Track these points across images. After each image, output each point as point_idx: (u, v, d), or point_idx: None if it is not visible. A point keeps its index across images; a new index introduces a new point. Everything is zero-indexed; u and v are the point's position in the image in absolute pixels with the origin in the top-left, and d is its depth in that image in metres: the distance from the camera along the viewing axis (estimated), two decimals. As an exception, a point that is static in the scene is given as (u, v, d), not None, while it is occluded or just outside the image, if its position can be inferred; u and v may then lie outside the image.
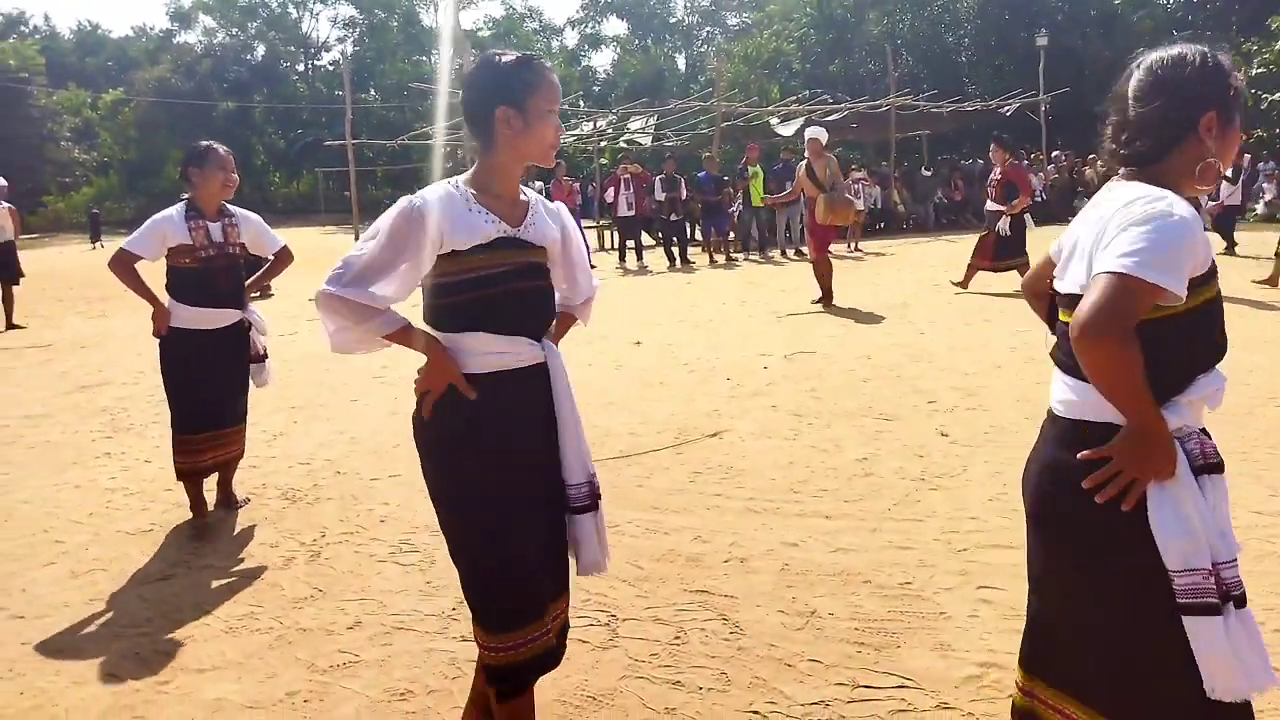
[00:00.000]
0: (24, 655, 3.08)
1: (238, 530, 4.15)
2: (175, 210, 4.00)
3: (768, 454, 4.77)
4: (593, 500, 2.18)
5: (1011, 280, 10.05)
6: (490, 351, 2.04)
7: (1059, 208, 22.47)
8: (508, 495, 2.06)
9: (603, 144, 24.61)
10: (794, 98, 25.63)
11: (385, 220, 2.00)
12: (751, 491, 4.22)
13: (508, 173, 2.09)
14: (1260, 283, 9.51)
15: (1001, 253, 10.12)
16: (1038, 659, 1.78)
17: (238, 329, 4.16)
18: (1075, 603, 1.69)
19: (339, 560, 3.74)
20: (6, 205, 11.12)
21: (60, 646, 3.13)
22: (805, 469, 4.50)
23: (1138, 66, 1.72)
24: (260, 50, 53.89)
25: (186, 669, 2.94)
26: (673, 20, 56.42)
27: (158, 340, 4.09)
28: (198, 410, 4.09)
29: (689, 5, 56.83)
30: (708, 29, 56.68)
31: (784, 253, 16.47)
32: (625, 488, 4.36)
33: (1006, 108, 23.54)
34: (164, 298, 4.04)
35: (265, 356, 4.37)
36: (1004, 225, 10.00)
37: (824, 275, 9.71)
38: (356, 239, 10.21)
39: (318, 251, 22.11)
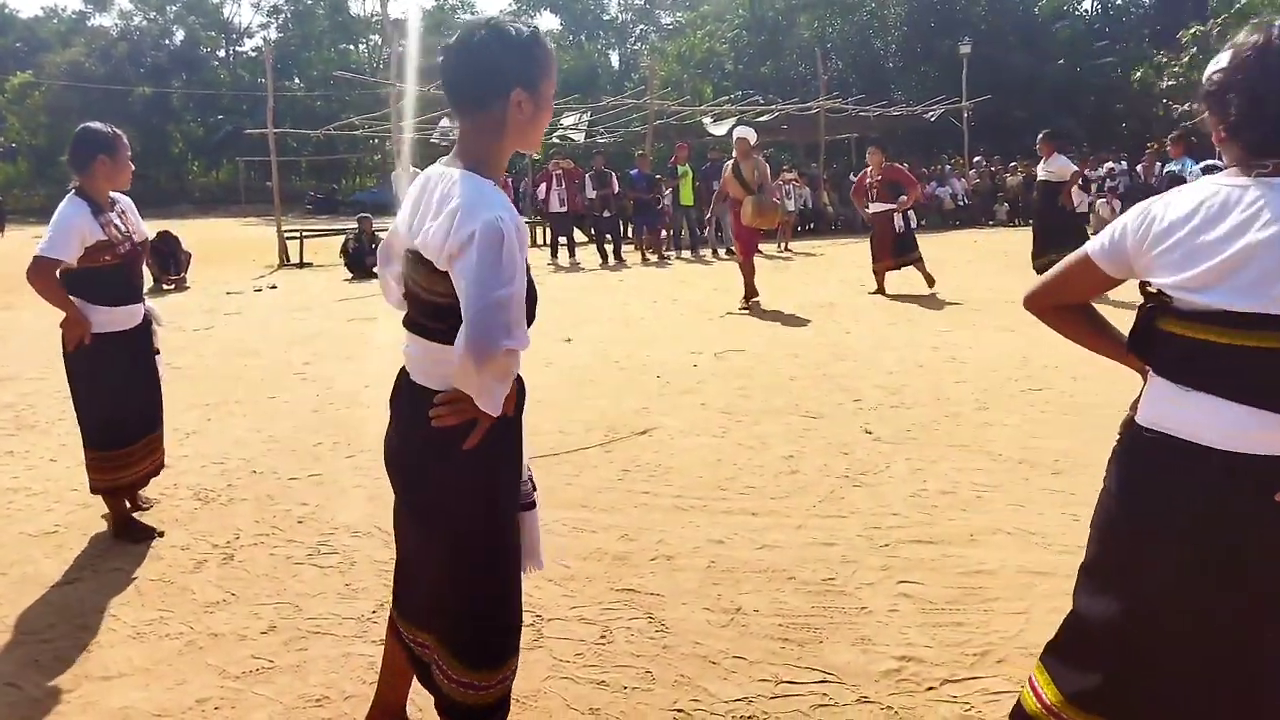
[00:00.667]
0: (-89, 666, 2.91)
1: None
2: (76, 205, 3.60)
3: (696, 451, 4.78)
4: (532, 497, 2.11)
5: (913, 277, 10.32)
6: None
7: (979, 212, 23.13)
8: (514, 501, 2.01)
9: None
10: (726, 97, 25.81)
11: (496, 245, 1.69)
12: (679, 489, 4.22)
13: (505, 161, 1.95)
14: None
15: (900, 249, 10.38)
16: None
17: (146, 325, 3.93)
18: None
19: (253, 563, 3.62)
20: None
21: (-48, 656, 2.97)
22: (733, 466, 4.52)
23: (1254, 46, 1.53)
24: (179, 35, 52.09)
25: (91, 676, 2.80)
26: (606, 17, 56.35)
27: (64, 353, 3.74)
28: (121, 421, 3.80)
29: (623, 3, 56.89)
30: (641, 27, 56.79)
31: (715, 252, 16.58)
32: (553, 486, 4.31)
33: (931, 113, 24.09)
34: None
35: (158, 350, 4.11)
36: (899, 220, 10.27)
37: (749, 275, 9.73)
38: (278, 231, 10.06)
39: (236, 243, 21.57)
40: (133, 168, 3.78)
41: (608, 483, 4.36)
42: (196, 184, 47.02)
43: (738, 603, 3.11)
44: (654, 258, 15.90)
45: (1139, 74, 26.45)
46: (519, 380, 1.96)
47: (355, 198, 39.52)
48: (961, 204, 23.26)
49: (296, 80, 48.56)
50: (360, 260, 13.90)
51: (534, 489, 2.09)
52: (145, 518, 4.05)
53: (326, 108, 43.10)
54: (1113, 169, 22.35)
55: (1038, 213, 10.89)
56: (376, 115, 22.30)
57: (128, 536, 3.88)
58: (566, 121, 26.13)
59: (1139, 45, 32.33)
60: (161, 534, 3.94)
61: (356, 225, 14.72)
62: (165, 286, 12.55)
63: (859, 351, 7.19)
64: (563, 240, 16.13)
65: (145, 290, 4.03)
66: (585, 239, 17.24)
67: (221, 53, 54.09)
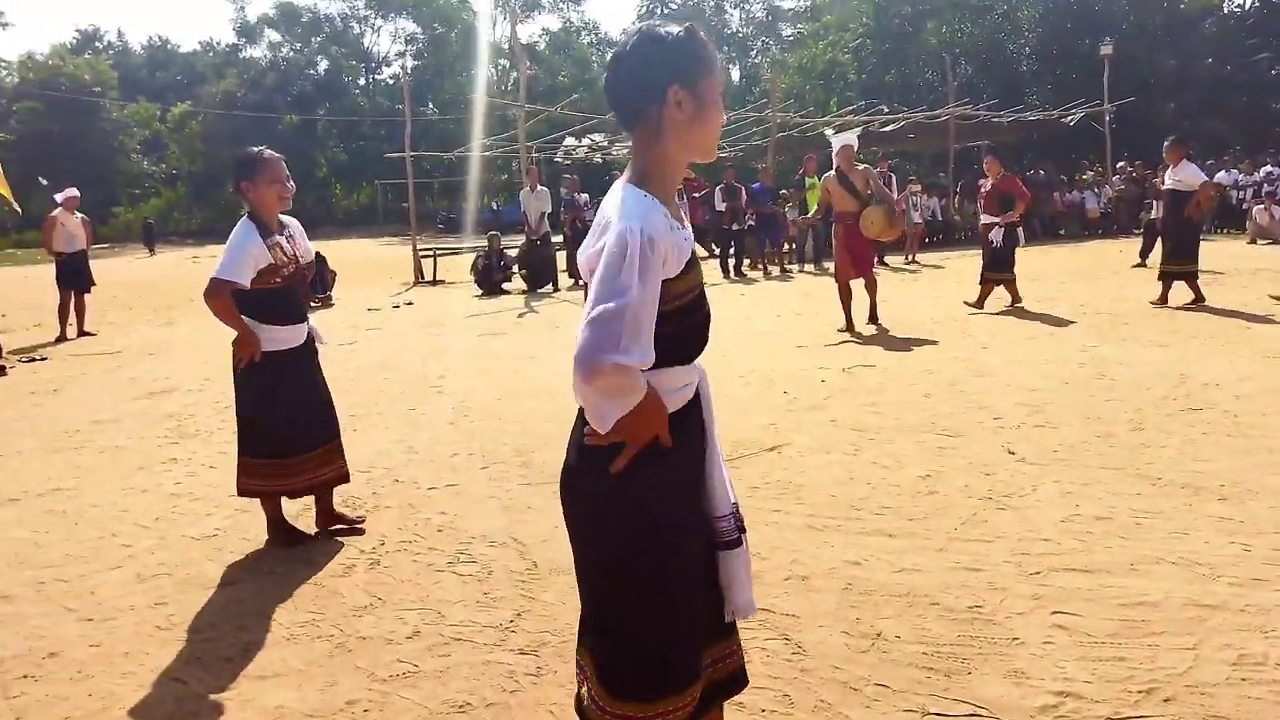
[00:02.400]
0: (93, 658, 3.13)
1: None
2: (246, 230, 3.80)
3: (827, 469, 4.68)
4: (740, 532, 1.91)
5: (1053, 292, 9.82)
6: (681, 386, 1.82)
7: (1126, 220, 21.91)
8: (693, 538, 1.85)
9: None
10: (850, 108, 25.35)
11: (619, 254, 1.60)
12: (811, 507, 4.14)
13: (675, 171, 1.80)
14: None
15: (993, 264, 9.90)
16: None
17: (310, 342, 4.11)
18: None
19: (398, 569, 3.75)
20: (80, 216, 11.48)
21: (127, 650, 3.18)
22: (866, 485, 4.40)
23: None
24: (323, 65, 55.17)
25: (249, 675, 2.96)
26: (728, 31, 56.45)
27: (234, 372, 3.95)
28: (294, 432, 3.97)
29: (744, 16, 56.86)
30: (762, 39, 56.60)
31: (803, 267, 16.32)
32: (683, 501, 4.30)
33: (1070, 117, 23.04)
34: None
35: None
36: (997, 235, 9.79)
37: (848, 301, 9.04)
38: (413, 249, 10.43)
39: (375, 262, 22.58)
40: (281, 188, 3.87)
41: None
42: (339, 206, 49.59)
43: (878, 627, 3.01)
44: (776, 271, 15.75)
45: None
46: (696, 411, 1.86)
47: (484, 217, 40.84)
48: (1106, 211, 22.11)
49: (430, 105, 50.55)
50: (489, 277, 14.31)
51: (739, 529, 1.91)
52: (300, 523, 4.26)
53: (459, 130, 44.70)
54: (1271, 172, 20.85)
55: (1165, 223, 10.09)
56: (504, 136, 22.93)
57: (281, 541, 4.09)
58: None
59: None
60: (315, 536, 4.14)
61: (486, 243, 15.14)
62: (313, 305, 13.21)
63: (996, 367, 6.90)
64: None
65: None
66: (705, 253, 17.23)
67: (362, 80, 56.90)
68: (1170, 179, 9.79)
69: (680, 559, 1.80)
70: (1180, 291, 9.55)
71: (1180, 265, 9.58)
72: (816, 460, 4.84)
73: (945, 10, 36.73)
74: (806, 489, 4.39)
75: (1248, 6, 35.36)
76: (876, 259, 10.32)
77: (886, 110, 24.70)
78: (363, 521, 4.27)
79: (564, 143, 27.23)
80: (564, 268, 15.37)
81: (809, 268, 16.28)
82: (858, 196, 8.85)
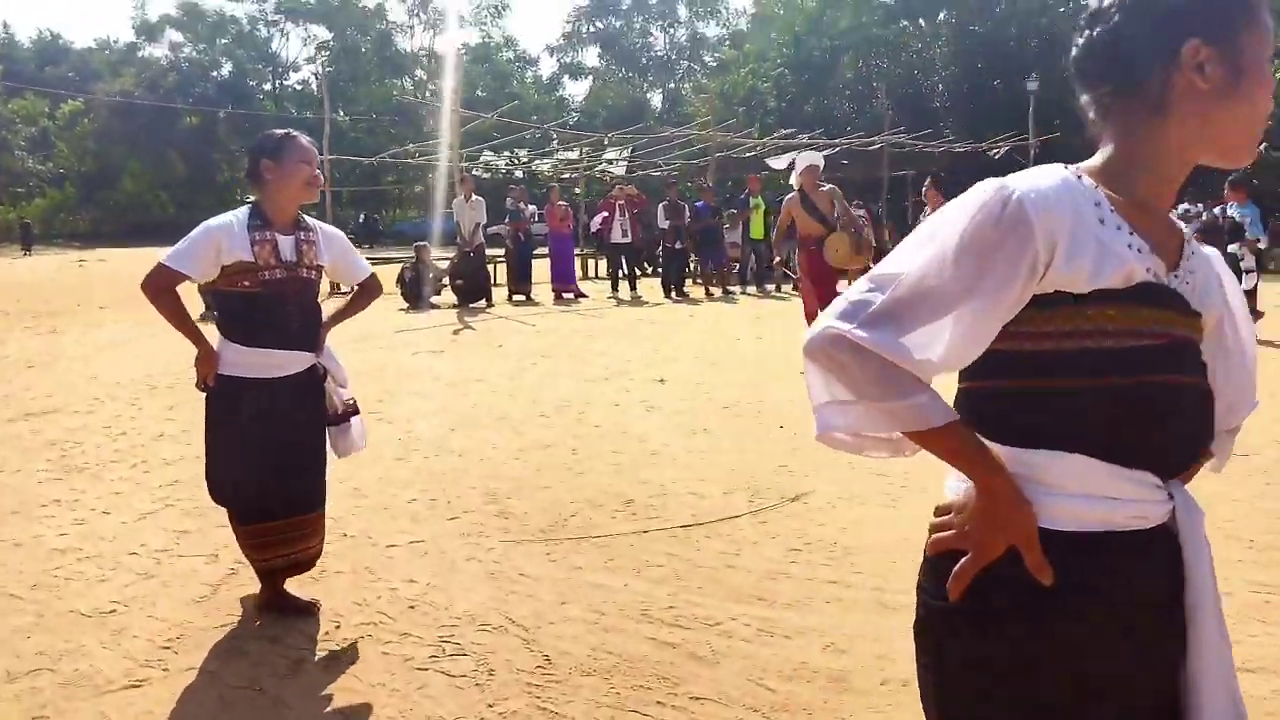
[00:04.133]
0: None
1: (224, 616, 3.24)
2: (235, 216, 2.97)
3: (871, 527, 3.97)
4: None
5: None
6: (1093, 494, 1.10)
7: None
8: None
9: (573, 174, 24.25)
10: (787, 131, 25.18)
11: (951, 220, 1.10)
12: (874, 579, 3.41)
13: (1169, 169, 1.16)
14: None
15: None
16: None
17: (310, 379, 3.14)
18: None
19: (365, 666, 2.86)
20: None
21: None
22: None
23: None
24: (228, 67, 52.75)
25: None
26: (648, 57, 56.40)
27: (203, 393, 3.07)
28: (255, 492, 3.03)
29: (669, 40, 56.96)
30: (686, 63, 56.75)
31: (779, 287, 15.84)
32: (713, 568, 3.53)
33: (996, 150, 23.37)
34: (211, 336, 3.04)
35: (348, 415, 3.29)
36: None
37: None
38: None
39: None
40: (310, 173, 3.02)
41: (778, 565, 3.56)
42: (241, 212, 47.10)
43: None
44: (717, 291, 15.17)
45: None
46: (1059, 540, 1.10)
47: (398, 228, 39.46)
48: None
49: (341, 113, 48.79)
50: (417, 289, 13.33)
51: None
52: (220, 596, 3.31)
53: (372, 139, 43.21)
54: (1188, 209, 21.43)
55: None
56: (429, 144, 21.94)
57: (279, 608, 3.17)
58: (609, 155, 25.85)
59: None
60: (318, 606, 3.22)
61: (414, 254, 14.13)
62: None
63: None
64: (622, 273, 15.40)
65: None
66: (643, 272, 16.58)
67: (268, 85, 54.63)
68: None
69: None
70: None
71: None
72: (853, 514, 4.13)
73: (861, 45, 37.48)
74: (858, 552, 3.66)
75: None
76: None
77: (807, 139, 24.65)
78: (317, 607, 3.24)
79: (482, 156, 26.43)
80: (502, 281, 14.50)
81: (750, 289, 15.75)
82: (822, 220, 8.08)
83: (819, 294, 8.18)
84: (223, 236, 2.89)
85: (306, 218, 3.12)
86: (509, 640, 2.99)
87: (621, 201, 15.21)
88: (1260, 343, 8.13)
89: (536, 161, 28.05)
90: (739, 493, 4.45)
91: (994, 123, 27.55)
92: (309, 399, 3.13)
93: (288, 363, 3.03)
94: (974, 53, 33.70)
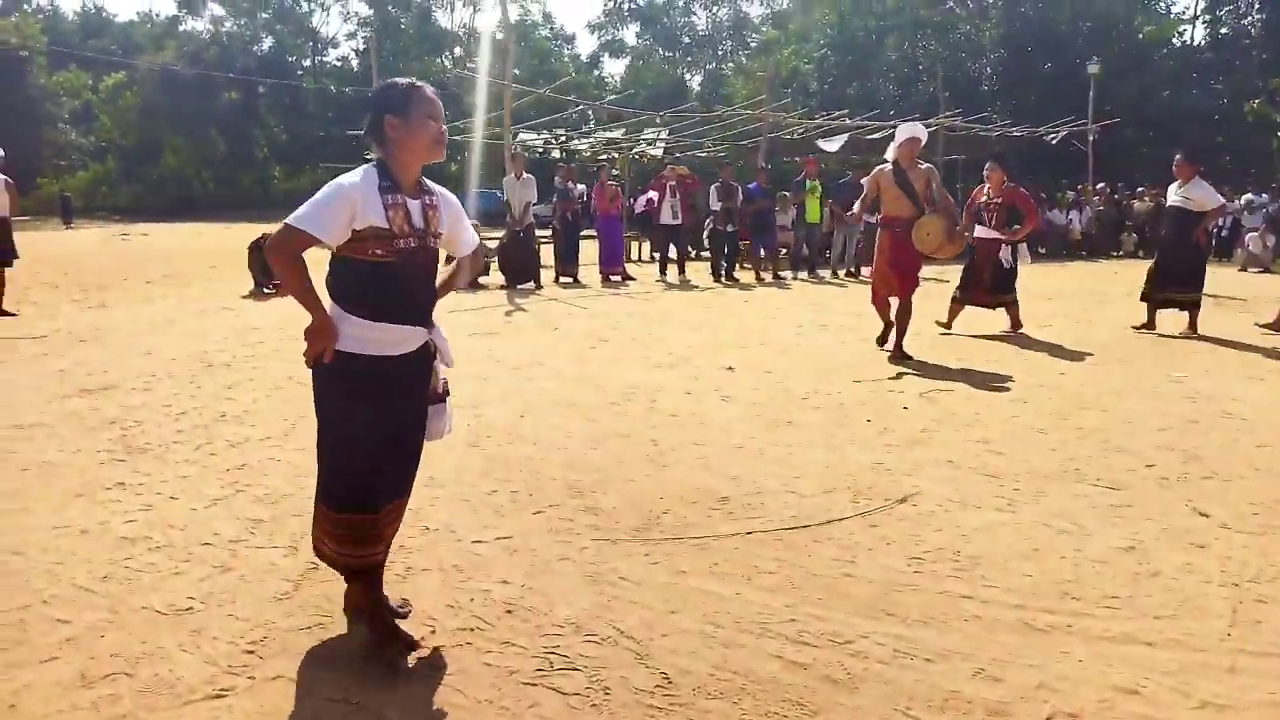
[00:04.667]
0: None
1: (309, 616, 3.01)
2: (364, 175, 2.63)
3: (993, 533, 3.66)
4: None
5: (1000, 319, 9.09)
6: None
7: (1103, 243, 21.56)
8: None
9: (614, 154, 23.82)
10: (839, 111, 24.56)
11: None
12: (1011, 594, 3.12)
13: None
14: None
15: (999, 287, 8.95)
16: None
17: (423, 356, 2.82)
18: None
19: (467, 678, 2.61)
20: (3, 178, 9.96)
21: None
22: (1060, 560, 3.40)
23: None
24: (268, 42, 52.84)
25: None
26: (691, 36, 55.72)
27: (312, 371, 2.73)
28: (368, 479, 2.71)
29: (710, 18, 56.23)
30: (727, 42, 56.00)
31: (835, 273, 15.42)
32: (830, 578, 3.25)
33: (1054, 135, 22.68)
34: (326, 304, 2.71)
35: (444, 396, 3.00)
36: (1006, 254, 8.85)
37: (887, 313, 7.83)
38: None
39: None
40: (438, 130, 2.70)
41: (901, 575, 3.27)
42: (279, 189, 47.08)
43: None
44: (768, 277, 14.80)
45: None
46: None
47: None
48: (1086, 232, 21.72)
49: (381, 89, 48.72)
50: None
51: None
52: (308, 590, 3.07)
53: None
54: (1252, 200, 20.67)
55: (1164, 244, 9.26)
56: (472, 121, 21.66)
57: (371, 613, 2.86)
58: (646, 135, 25.44)
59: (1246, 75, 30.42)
60: (420, 644, 2.84)
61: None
62: (266, 290, 11.83)
63: (1094, 398, 6.00)
64: (672, 255, 15.04)
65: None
66: (692, 254, 16.23)
67: (307, 61, 54.66)
68: (1178, 196, 8.90)
69: None
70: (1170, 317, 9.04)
71: (1186, 293, 8.86)
72: (969, 519, 3.83)
73: (907, 27, 36.64)
74: (986, 563, 3.37)
75: (1199, 41, 35.95)
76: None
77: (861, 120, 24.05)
78: (406, 609, 3.01)
79: (519, 135, 26.18)
80: (550, 263, 14.26)
81: (802, 274, 15.36)
82: (914, 200, 7.37)
83: (899, 282, 7.52)
84: (357, 196, 2.56)
85: (426, 180, 2.81)
86: (620, 654, 2.74)
87: (672, 182, 14.84)
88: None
89: (575, 141, 27.73)
90: (840, 492, 4.15)
91: (1044, 107, 26.80)
92: (422, 378, 2.84)
93: (410, 338, 2.72)
94: (1024, 35, 32.83)
